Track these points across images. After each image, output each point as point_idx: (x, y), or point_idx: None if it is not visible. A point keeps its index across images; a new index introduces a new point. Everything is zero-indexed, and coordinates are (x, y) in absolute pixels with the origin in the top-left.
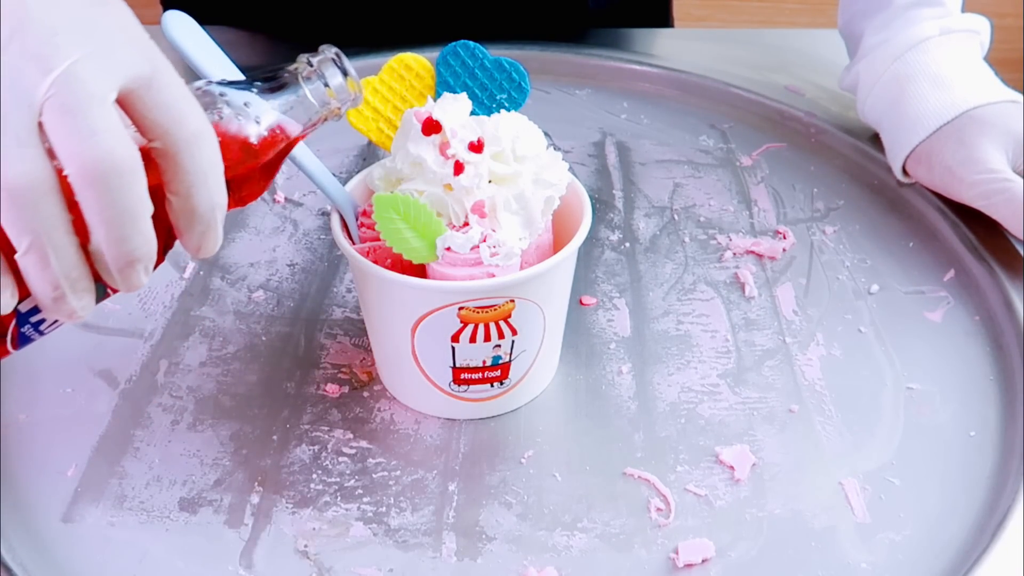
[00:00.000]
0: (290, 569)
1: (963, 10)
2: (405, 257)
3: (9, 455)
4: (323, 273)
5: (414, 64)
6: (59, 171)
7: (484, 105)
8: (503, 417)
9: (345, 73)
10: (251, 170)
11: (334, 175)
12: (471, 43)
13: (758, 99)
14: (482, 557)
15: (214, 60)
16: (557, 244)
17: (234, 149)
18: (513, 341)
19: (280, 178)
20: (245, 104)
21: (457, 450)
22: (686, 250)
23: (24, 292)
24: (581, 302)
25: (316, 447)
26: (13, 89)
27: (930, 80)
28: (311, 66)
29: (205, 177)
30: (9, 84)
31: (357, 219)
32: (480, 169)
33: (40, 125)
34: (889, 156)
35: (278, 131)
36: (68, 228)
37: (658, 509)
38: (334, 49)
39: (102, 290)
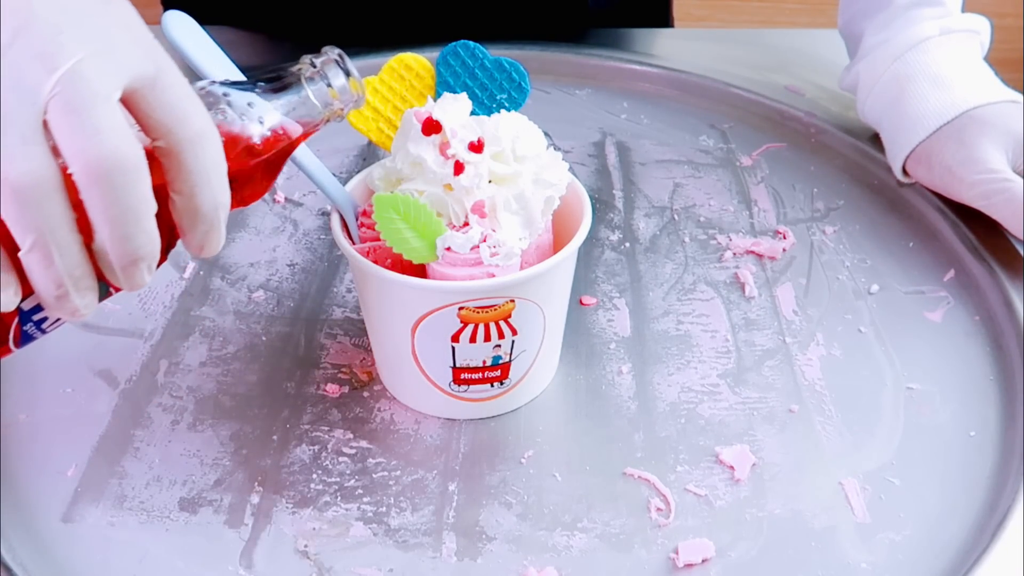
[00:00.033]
0: (290, 569)
1: (963, 10)
2: (405, 257)
3: (9, 455)
4: (323, 273)
5: (414, 64)
6: (63, 169)
7: (484, 105)
8: (503, 417)
9: (348, 74)
10: (253, 170)
11: (334, 175)
12: (471, 43)
13: (758, 99)
14: (482, 557)
15: (214, 60)
16: (557, 244)
17: (237, 149)
18: (513, 341)
19: (280, 178)
20: (248, 104)
21: (457, 450)
22: (686, 250)
23: (27, 290)
24: (581, 302)
25: (316, 447)
26: (18, 87)
27: (930, 80)
28: (314, 67)
29: (208, 176)
30: (14, 82)
31: (357, 219)
32: (480, 169)
33: (45, 123)
34: (889, 156)
35: (281, 131)
36: (72, 226)
37: (658, 509)
38: (337, 50)
39: (104, 289)
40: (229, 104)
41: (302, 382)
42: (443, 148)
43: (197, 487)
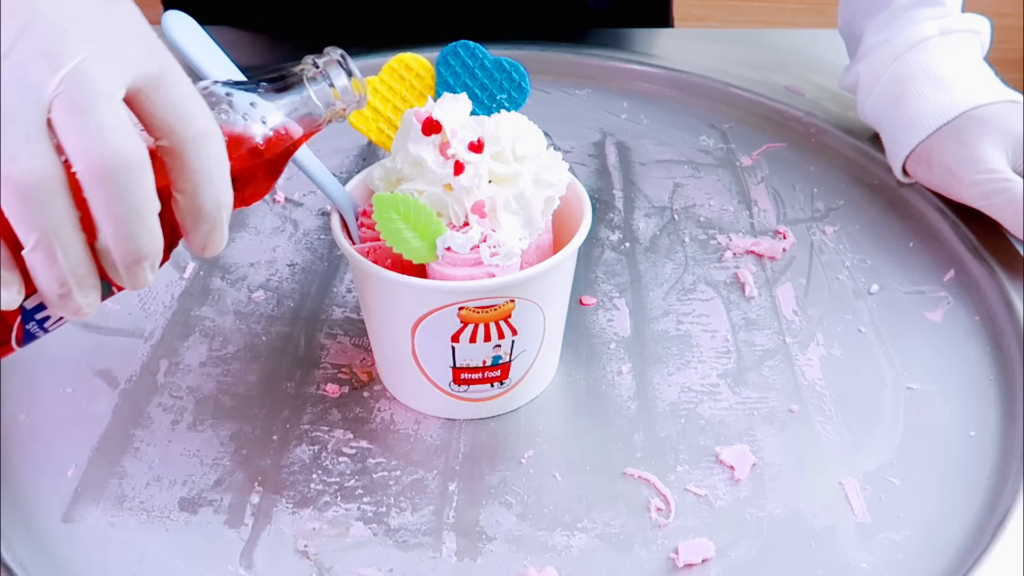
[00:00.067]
0: (290, 569)
1: (963, 10)
2: (405, 257)
3: (9, 455)
4: (323, 273)
5: (414, 64)
6: (67, 168)
7: (484, 105)
8: (503, 417)
9: (350, 74)
10: (256, 170)
11: (334, 175)
12: (471, 43)
13: (758, 99)
14: (482, 557)
15: (214, 60)
16: (557, 244)
17: (240, 149)
18: (513, 341)
19: (280, 178)
20: (251, 104)
21: (457, 450)
22: (686, 250)
23: (30, 289)
24: (581, 302)
25: (316, 447)
26: (22, 86)
27: (930, 80)
28: (316, 67)
29: (211, 176)
30: (18, 81)
31: (357, 219)
32: (480, 169)
33: (49, 122)
34: (889, 156)
35: (283, 132)
36: (76, 225)
37: (658, 509)
38: (339, 51)
39: (107, 288)
40: (231, 104)
41: (302, 382)
42: (443, 148)
43: (197, 487)
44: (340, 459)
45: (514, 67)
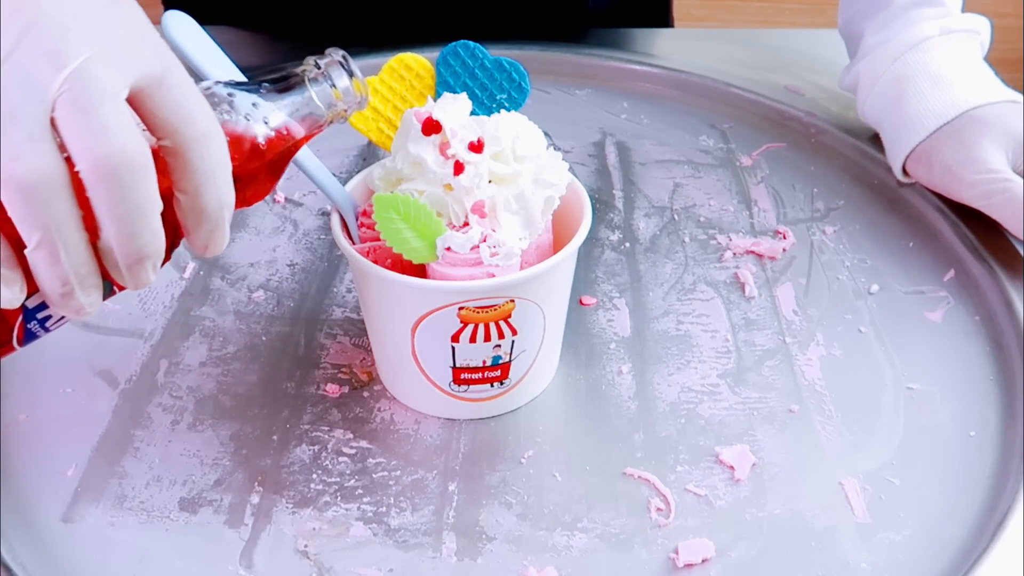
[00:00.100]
0: (290, 569)
1: (963, 10)
2: (405, 257)
3: (9, 455)
4: (323, 273)
5: (414, 64)
6: (70, 167)
7: (484, 105)
8: (503, 417)
9: (352, 75)
10: (257, 170)
11: (334, 175)
12: (471, 43)
13: (758, 99)
14: (482, 557)
15: (214, 60)
16: (557, 244)
17: (241, 149)
18: (513, 341)
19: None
20: (253, 105)
21: (457, 450)
22: (686, 250)
23: (32, 287)
24: (581, 302)
25: (316, 447)
26: (26, 85)
27: (930, 80)
28: (318, 68)
29: (214, 176)
30: (22, 80)
31: (357, 219)
32: (480, 169)
33: (52, 121)
34: (889, 156)
35: (285, 132)
36: (78, 224)
37: (658, 509)
38: (341, 51)
39: (108, 287)
40: (233, 104)
41: (302, 382)
42: (443, 148)
43: (197, 487)
44: (340, 459)
45: (514, 67)
